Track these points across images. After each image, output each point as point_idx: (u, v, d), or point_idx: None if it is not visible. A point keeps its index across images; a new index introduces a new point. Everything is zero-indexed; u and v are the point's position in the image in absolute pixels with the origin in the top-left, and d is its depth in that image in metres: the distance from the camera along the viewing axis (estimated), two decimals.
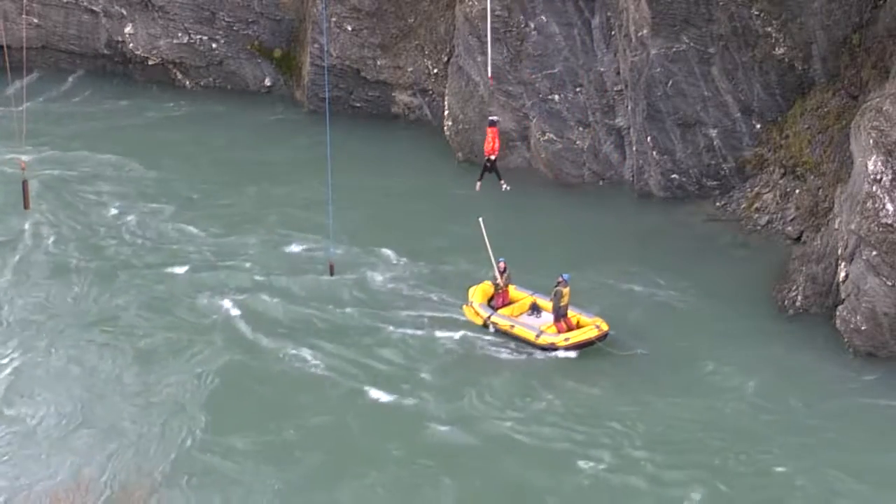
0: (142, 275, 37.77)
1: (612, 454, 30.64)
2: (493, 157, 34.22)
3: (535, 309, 35.53)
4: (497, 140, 34.34)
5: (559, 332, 34.43)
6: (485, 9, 41.82)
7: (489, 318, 34.93)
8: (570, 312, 34.82)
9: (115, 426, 31.67)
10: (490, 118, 34.47)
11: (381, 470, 29.90)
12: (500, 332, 34.83)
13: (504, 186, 34.72)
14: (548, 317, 35.12)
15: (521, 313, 35.45)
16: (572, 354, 34.08)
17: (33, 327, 35.43)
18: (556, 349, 34.17)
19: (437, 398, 32.51)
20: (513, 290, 35.97)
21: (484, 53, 42.35)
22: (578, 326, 34.64)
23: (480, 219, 36.20)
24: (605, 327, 34.42)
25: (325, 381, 33.14)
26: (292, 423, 31.56)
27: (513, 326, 34.69)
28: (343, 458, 30.43)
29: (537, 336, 34.36)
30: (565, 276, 34.75)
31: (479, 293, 35.61)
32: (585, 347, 34.15)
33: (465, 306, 35.51)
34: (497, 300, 35.52)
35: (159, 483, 29.30)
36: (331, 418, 31.80)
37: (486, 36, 41.87)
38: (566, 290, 34.63)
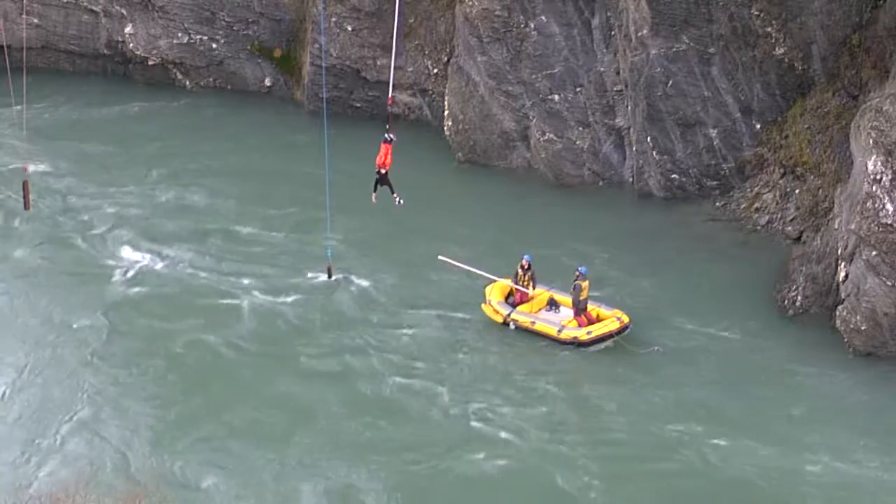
0: (139, 272, 38.02)
1: (607, 450, 30.83)
2: (382, 171, 34.39)
3: (552, 304, 35.64)
4: (389, 156, 34.39)
5: (580, 326, 34.47)
6: (486, 9, 41.92)
7: (509, 315, 35.01)
8: (590, 306, 34.89)
9: (105, 424, 31.96)
10: (386, 136, 34.72)
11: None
12: (520, 329, 34.93)
13: (398, 200, 34.65)
14: (567, 312, 35.19)
15: (540, 309, 35.54)
16: (594, 348, 34.18)
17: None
18: (578, 343, 34.21)
19: (424, 384, 33.15)
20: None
21: (484, 53, 42.40)
22: (599, 319, 34.70)
23: (441, 257, 36.38)
24: (625, 319, 34.52)
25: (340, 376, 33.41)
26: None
27: (533, 323, 34.78)
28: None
29: (559, 331, 34.44)
30: (582, 269, 34.82)
31: (496, 291, 35.70)
32: (607, 340, 34.21)
33: (483, 305, 35.58)
34: (516, 297, 35.60)
35: (159, 481, 29.44)
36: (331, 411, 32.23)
37: (485, 37, 41.95)
38: (585, 284, 34.67)
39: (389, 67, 45.23)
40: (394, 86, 45.74)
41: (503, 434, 31.28)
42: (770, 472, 30.00)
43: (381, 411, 32.12)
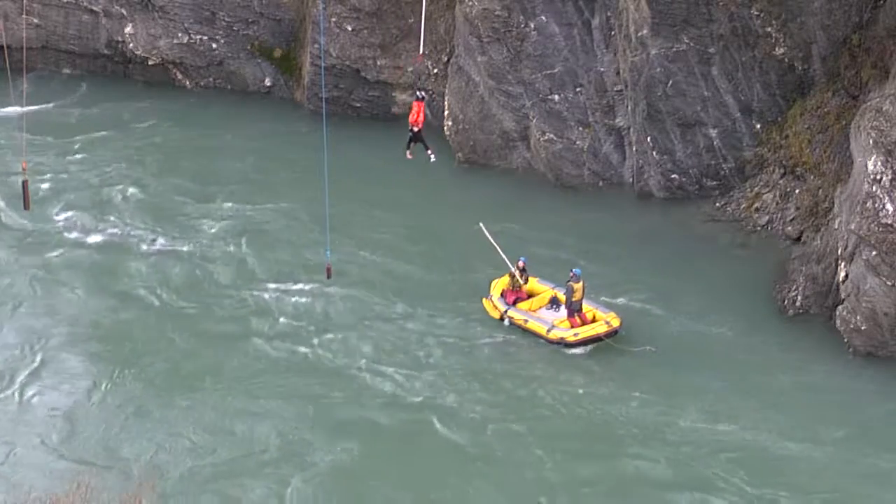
0: (136, 268, 38.28)
1: (603, 450, 30.83)
2: (415, 129, 35.01)
3: (554, 303, 35.75)
4: (421, 114, 35.04)
5: (572, 326, 34.57)
6: (486, 9, 41.90)
7: (506, 311, 35.15)
8: (587, 307, 34.95)
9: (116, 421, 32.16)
10: (417, 93, 35.57)
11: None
12: (515, 327, 35.05)
13: (431, 157, 35.25)
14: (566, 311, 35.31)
15: (540, 307, 35.73)
16: (580, 350, 34.23)
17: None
18: (565, 344, 34.29)
19: (415, 381, 33.47)
20: (535, 284, 36.20)
21: (484, 53, 42.40)
22: (594, 321, 34.78)
23: (481, 224, 36.37)
24: (615, 323, 34.59)
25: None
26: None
27: (526, 321, 34.95)
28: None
29: (548, 330, 34.60)
30: (576, 270, 34.93)
31: (499, 287, 35.86)
32: (596, 343, 34.26)
33: (484, 299, 35.74)
34: (509, 296, 35.62)
35: (161, 482, 29.46)
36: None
37: (484, 36, 42.00)
38: (578, 285, 34.76)
39: (392, 67, 45.45)
40: (394, 86, 45.91)
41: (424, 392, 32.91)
42: (764, 471, 30.03)
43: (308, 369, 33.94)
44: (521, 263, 35.98)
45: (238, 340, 34.99)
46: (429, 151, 35.11)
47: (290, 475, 30.25)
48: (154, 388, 33.14)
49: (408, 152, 35.30)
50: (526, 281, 36.03)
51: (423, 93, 35.05)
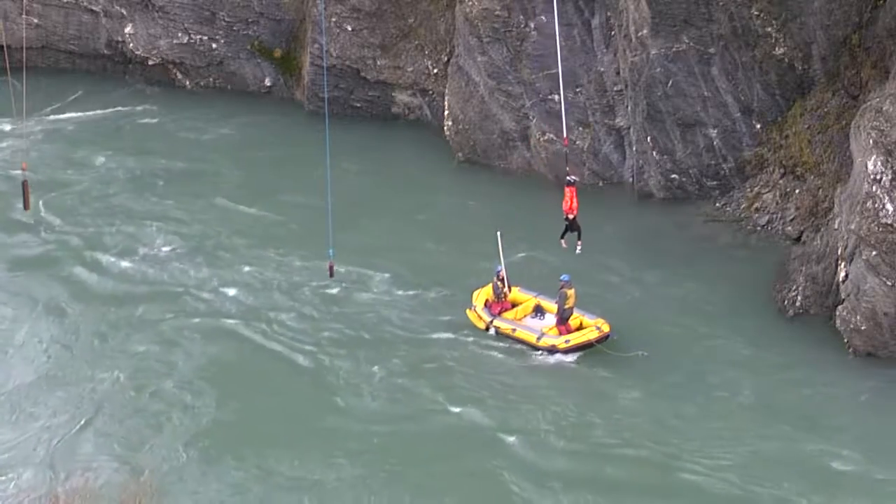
0: (133, 269, 38.34)
1: (603, 454, 30.80)
2: (570, 216, 34.40)
3: (538, 311, 35.52)
4: (575, 200, 34.21)
5: (561, 334, 34.41)
6: (486, 9, 41.91)
7: (491, 321, 34.95)
8: (573, 314, 34.73)
9: (112, 420, 32.13)
10: (568, 178, 34.70)
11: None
12: (502, 336, 34.87)
13: (578, 248, 34.75)
14: (551, 319, 35.06)
15: (525, 315, 35.46)
16: (571, 357, 34.13)
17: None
18: (556, 351, 34.20)
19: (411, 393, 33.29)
20: (517, 292, 35.97)
21: (484, 53, 42.38)
22: (581, 328, 34.62)
23: (499, 233, 36.15)
24: (605, 329, 34.42)
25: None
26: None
27: (514, 330, 34.71)
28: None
29: (538, 338, 34.38)
30: (564, 276, 34.67)
31: (483, 297, 35.63)
32: (586, 349, 34.18)
33: (468, 310, 35.51)
34: (495, 307, 35.43)
35: (160, 481, 29.46)
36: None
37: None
38: (570, 291, 34.54)
39: (392, 67, 45.47)
40: (394, 86, 45.94)
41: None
42: (764, 472, 30.07)
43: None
44: (501, 273, 35.73)
45: (241, 342, 35.09)
46: (579, 242, 34.53)
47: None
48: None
49: (562, 241, 34.68)
50: (509, 289, 35.81)
51: (573, 177, 34.19)
